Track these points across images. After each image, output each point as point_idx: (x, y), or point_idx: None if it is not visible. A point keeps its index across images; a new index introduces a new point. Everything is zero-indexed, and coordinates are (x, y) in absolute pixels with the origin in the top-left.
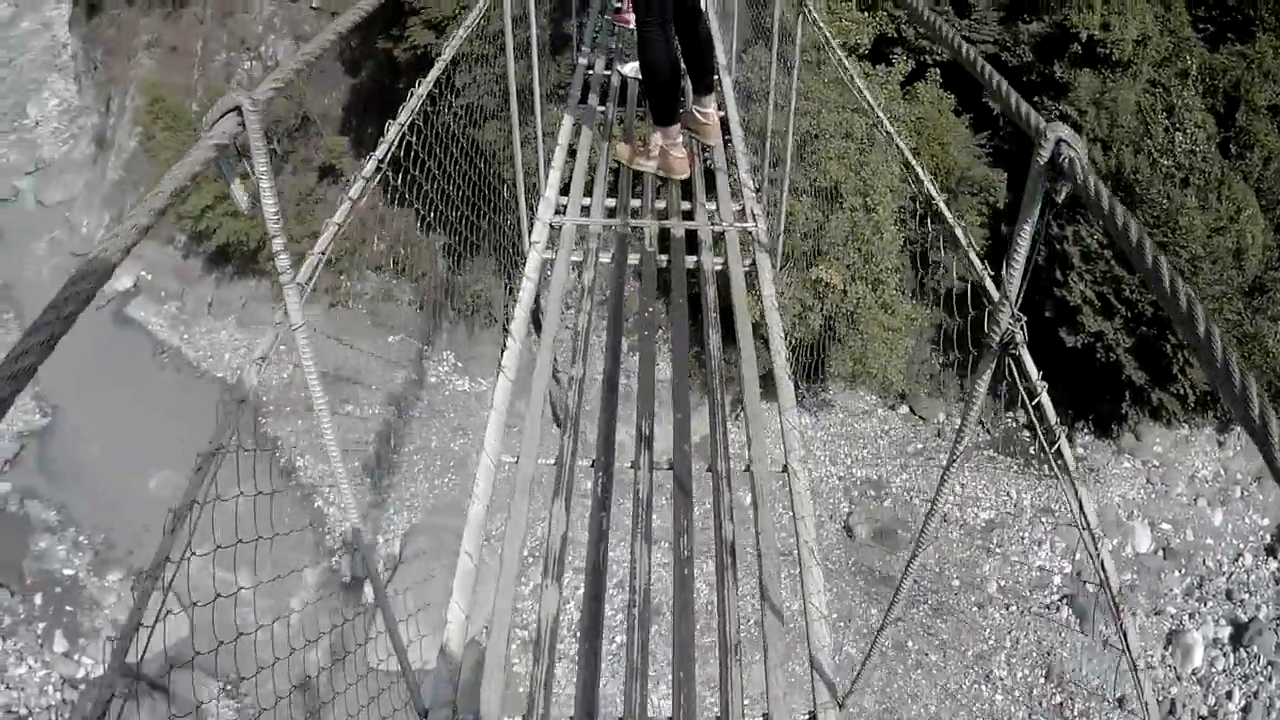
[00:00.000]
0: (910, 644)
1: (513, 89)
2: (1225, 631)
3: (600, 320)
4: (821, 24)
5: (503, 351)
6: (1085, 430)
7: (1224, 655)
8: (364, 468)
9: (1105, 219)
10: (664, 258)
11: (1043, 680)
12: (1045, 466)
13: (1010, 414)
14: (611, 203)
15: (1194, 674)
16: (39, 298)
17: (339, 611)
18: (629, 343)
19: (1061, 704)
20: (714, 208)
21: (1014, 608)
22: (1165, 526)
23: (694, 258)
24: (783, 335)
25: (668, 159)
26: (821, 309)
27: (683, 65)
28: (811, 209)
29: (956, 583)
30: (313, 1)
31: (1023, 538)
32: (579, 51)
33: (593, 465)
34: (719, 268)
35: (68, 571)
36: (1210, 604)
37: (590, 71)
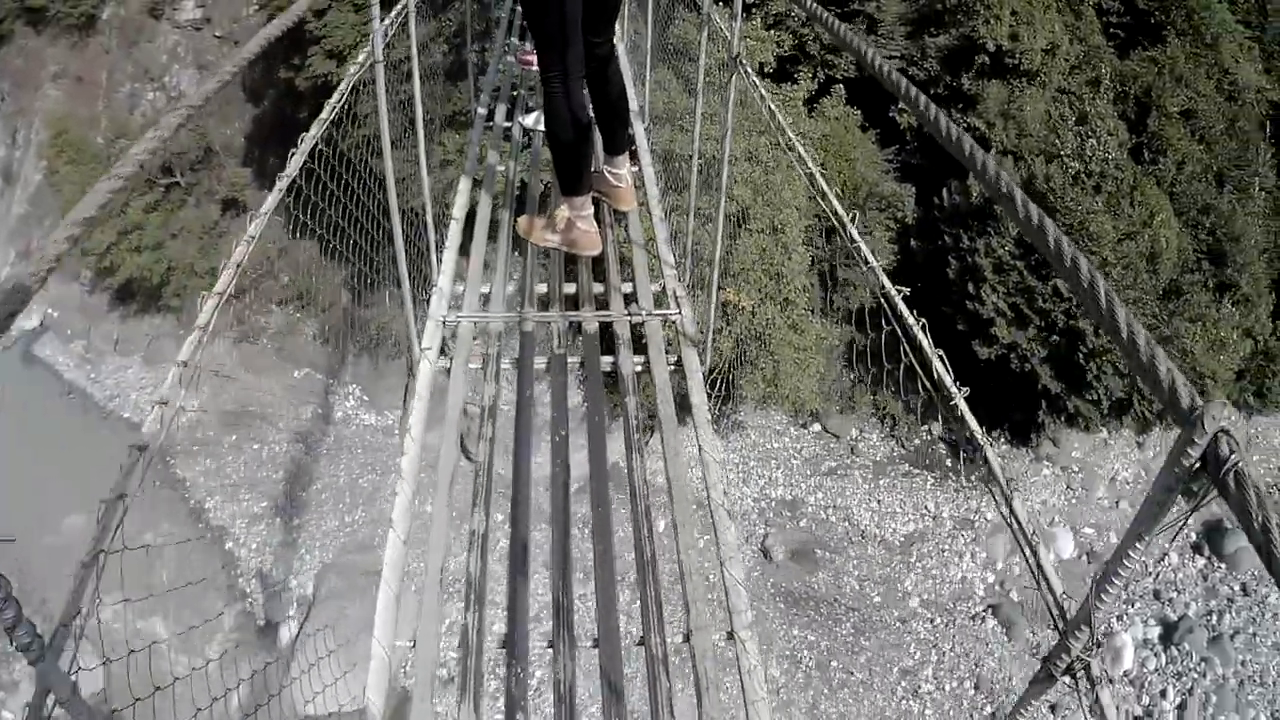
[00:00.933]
0: (834, 664)
1: (389, 172)
2: (1155, 631)
3: (505, 444)
4: (758, 83)
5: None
6: (1002, 439)
7: (1155, 655)
8: (273, 507)
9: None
10: (575, 360)
11: (972, 691)
12: (963, 479)
13: (925, 427)
14: (513, 289)
15: (1126, 675)
16: None
17: (256, 653)
18: (538, 478)
19: (993, 714)
20: (631, 288)
21: (938, 620)
22: (1088, 531)
23: (610, 359)
24: (720, 458)
25: (574, 233)
26: (731, 331)
27: (593, 119)
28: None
29: (878, 599)
30: (216, 30)
31: (943, 550)
32: (477, 100)
33: (503, 646)
34: (640, 368)
35: None
36: (1138, 605)
37: (490, 123)
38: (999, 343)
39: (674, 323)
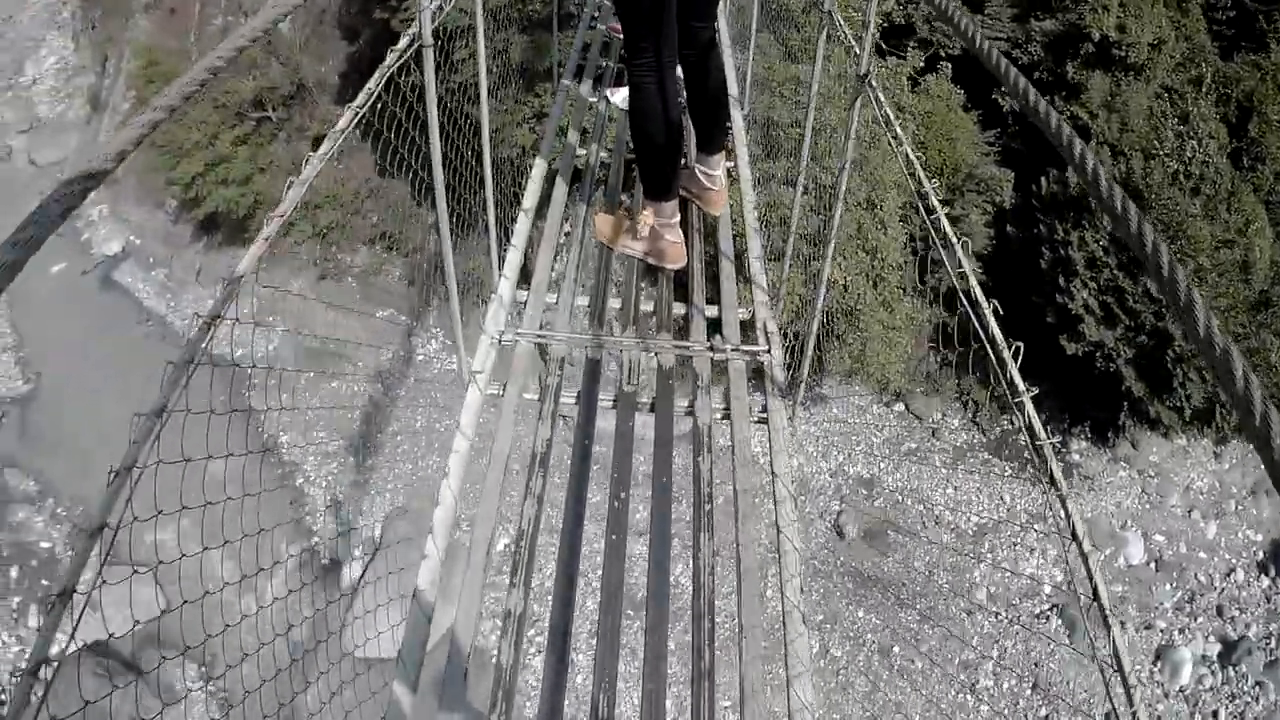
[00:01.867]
0: (896, 650)
1: (439, 180)
2: (1214, 649)
3: (555, 503)
4: (885, 104)
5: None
6: (1081, 436)
7: (1212, 673)
8: (348, 446)
9: None
10: (647, 399)
11: (1029, 692)
12: (1040, 473)
13: (1007, 417)
14: (585, 300)
15: (1181, 691)
16: (31, 259)
17: (317, 593)
18: (591, 545)
19: (1048, 717)
20: (716, 312)
21: (1003, 616)
22: (1158, 538)
23: (686, 403)
24: (798, 548)
25: (660, 243)
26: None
27: (686, 113)
28: (810, 210)
29: (946, 587)
30: None
31: (1014, 544)
32: (559, 69)
33: None
34: (721, 414)
35: (45, 545)
36: (1200, 620)
37: (573, 99)
38: (1086, 339)
39: (762, 364)
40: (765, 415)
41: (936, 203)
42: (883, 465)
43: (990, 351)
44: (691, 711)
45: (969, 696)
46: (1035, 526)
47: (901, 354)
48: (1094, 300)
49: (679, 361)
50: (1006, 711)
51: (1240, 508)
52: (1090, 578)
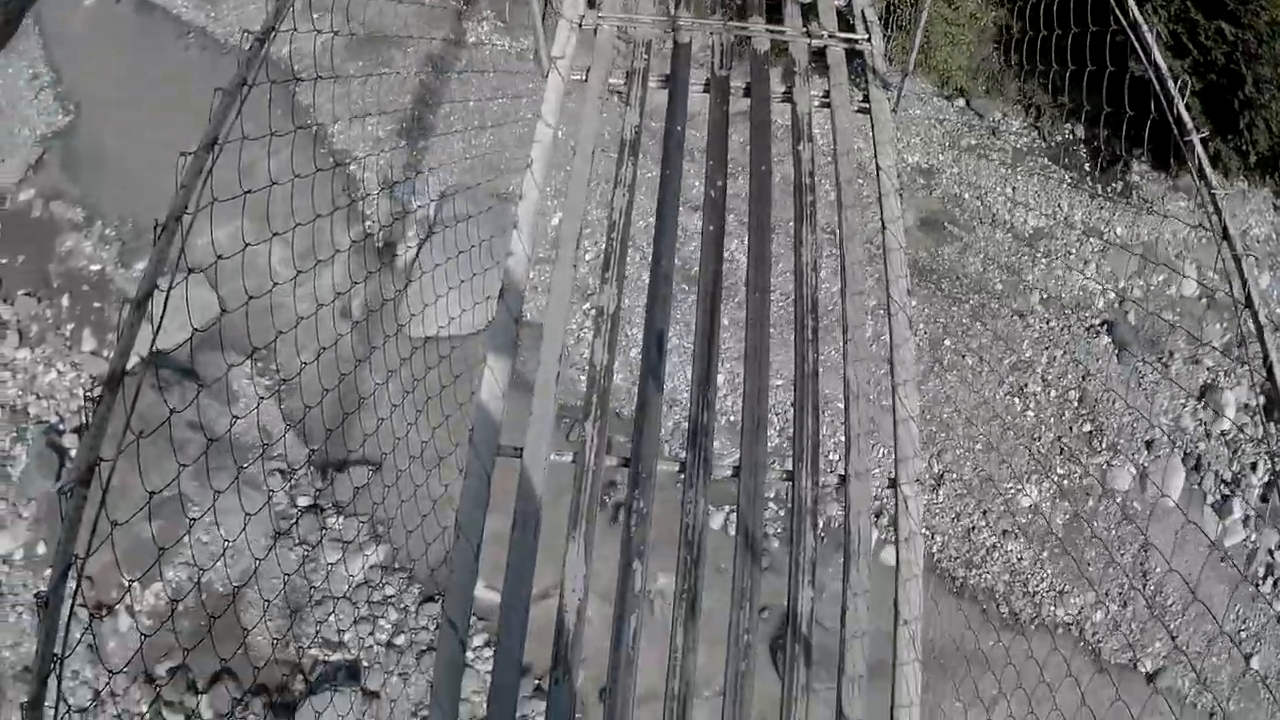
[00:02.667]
0: (948, 342)
1: None
2: (1259, 400)
3: (647, 193)
4: None
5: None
6: (1144, 160)
7: (1255, 424)
8: (398, 130)
9: None
10: (741, 84)
11: (1075, 403)
12: (1099, 186)
13: (1069, 125)
14: None
15: (1223, 435)
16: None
17: (374, 277)
18: (687, 236)
19: (1090, 433)
20: None
21: (1054, 323)
22: (1212, 274)
23: (783, 89)
24: (903, 245)
25: None
26: None
27: None
28: None
29: (999, 286)
30: None
31: (1069, 253)
32: None
33: (625, 464)
34: (820, 101)
35: (94, 268)
36: (1247, 367)
37: None
38: (1154, 64)
39: (861, 52)
40: (867, 105)
41: None
42: (942, 158)
43: (1155, 81)
44: (796, 411)
45: (1016, 399)
46: (1091, 239)
47: (965, 51)
48: (1164, 28)
49: (774, 48)
50: (1052, 420)
51: None
52: (1267, 361)
